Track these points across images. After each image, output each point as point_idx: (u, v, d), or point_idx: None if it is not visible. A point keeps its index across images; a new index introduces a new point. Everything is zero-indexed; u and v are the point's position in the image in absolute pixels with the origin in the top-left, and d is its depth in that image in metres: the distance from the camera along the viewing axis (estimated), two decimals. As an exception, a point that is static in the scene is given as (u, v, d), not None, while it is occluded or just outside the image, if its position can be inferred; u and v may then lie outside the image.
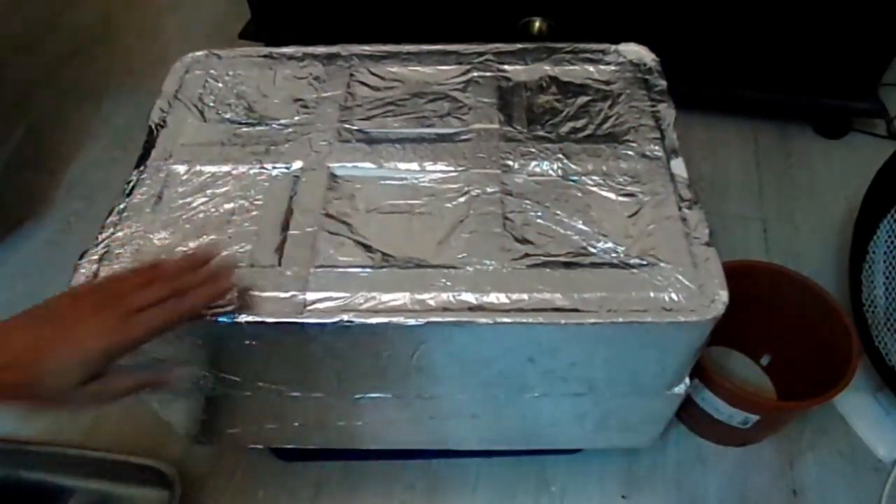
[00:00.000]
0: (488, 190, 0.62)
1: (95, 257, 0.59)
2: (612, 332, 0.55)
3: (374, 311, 0.55)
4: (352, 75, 0.74)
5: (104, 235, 0.61)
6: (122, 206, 0.63)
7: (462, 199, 0.62)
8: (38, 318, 0.45)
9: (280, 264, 0.58)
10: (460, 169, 0.64)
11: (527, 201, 0.62)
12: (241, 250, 0.59)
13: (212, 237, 0.60)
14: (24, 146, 1.25)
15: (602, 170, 0.64)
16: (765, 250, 1.04)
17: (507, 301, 0.55)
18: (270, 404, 0.68)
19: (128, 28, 1.51)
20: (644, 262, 0.57)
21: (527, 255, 0.58)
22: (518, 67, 0.74)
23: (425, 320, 0.54)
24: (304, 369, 0.62)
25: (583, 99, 0.71)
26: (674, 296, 0.55)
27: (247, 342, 0.57)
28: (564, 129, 0.68)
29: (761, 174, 1.15)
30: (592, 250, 0.58)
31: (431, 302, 0.55)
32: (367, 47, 0.77)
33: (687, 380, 0.65)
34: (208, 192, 0.64)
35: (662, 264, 0.57)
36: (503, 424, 0.71)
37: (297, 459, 0.84)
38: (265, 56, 0.77)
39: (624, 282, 0.56)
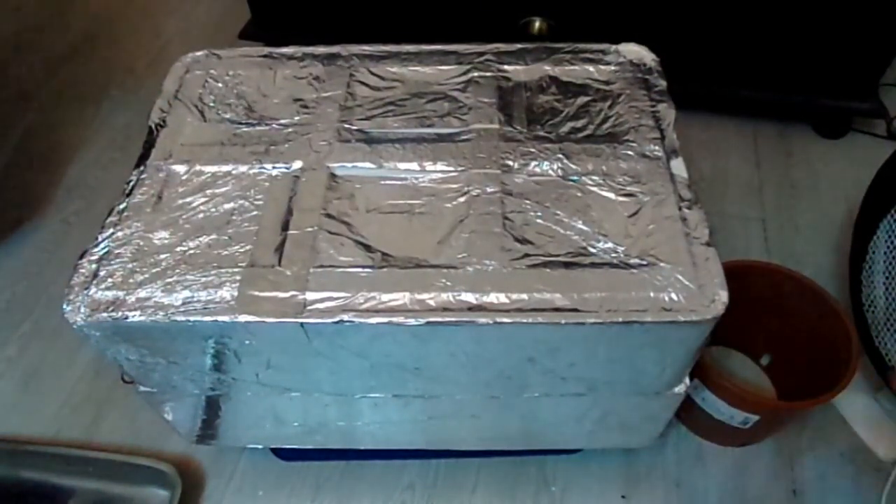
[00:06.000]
0: (488, 190, 0.62)
1: (95, 257, 0.59)
2: (612, 332, 0.55)
3: (374, 311, 0.55)
4: (352, 75, 0.74)
5: (104, 235, 0.61)
6: (122, 206, 0.63)
7: (462, 199, 0.62)
8: None
9: (280, 264, 0.58)
10: (460, 169, 0.64)
11: (527, 201, 0.62)
12: (241, 250, 0.59)
13: (212, 237, 0.60)
14: (24, 146, 1.25)
15: (602, 170, 0.64)
16: (765, 250, 1.04)
17: (507, 301, 0.55)
18: (270, 404, 0.68)
19: (128, 28, 1.51)
20: (644, 262, 0.57)
21: (527, 255, 0.58)
22: (518, 67, 0.74)
23: (425, 320, 0.54)
24: (304, 369, 0.62)
25: (583, 99, 0.71)
26: (674, 296, 0.55)
27: (247, 342, 0.57)
28: (564, 129, 0.68)
29: (761, 174, 1.15)
30: (592, 250, 0.58)
31: (431, 302, 0.55)
32: (367, 47, 0.77)
33: (687, 380, 0.65)
34: (208, 192, 0.64)
35: (662, 264, 0.57)
36: (503, 424, 0.71)
37: (297, 459, 0.84)
38: (265, 56, 0.77)
39: (624, 282, 0.56)
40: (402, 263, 0.58)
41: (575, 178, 0.64)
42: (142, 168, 0.66)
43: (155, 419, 0.72)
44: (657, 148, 0.66)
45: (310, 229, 0.60)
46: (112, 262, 0.59)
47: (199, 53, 0.77)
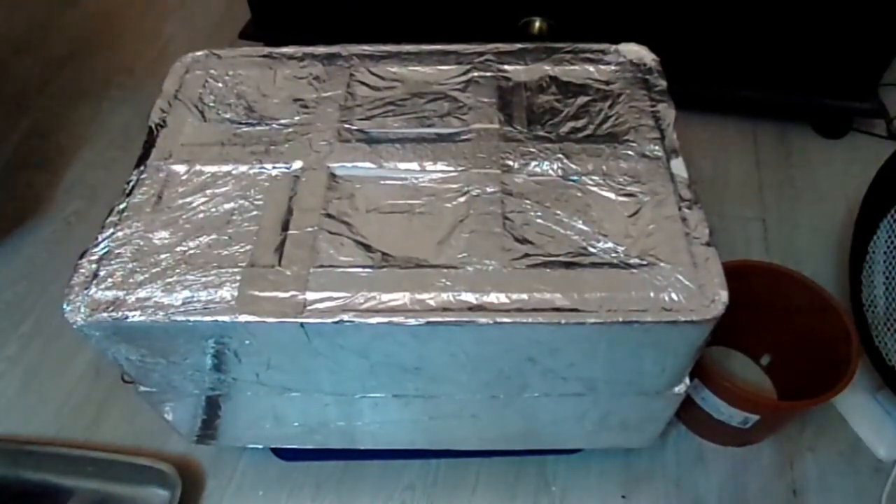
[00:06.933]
0: (488, 190, 0.62)
1: (95, 257, 0.59)
2: (612, 332, 0.55)
3: (374, 311, 0.55)
4: (352, 75, 0.74)
5: (104, 235, 0.61)
6: (122, 206, 0.63)
7: (462, 199, 0.62)
8: None
9: (280, 264, 0.58)
10: (460, 169, 0.64)
11: (527, 201, 0.62)
12: (241, 250, 0.59)
13: (212, 237, 0.60)
14: (24, 146, 1.25)
15: (602, 170, 0.64)
16: (765, 250, 1.04)
17: (507, 301, 0.55)
18: (270, 404, 0.68)
19: (128, 28, 1.51)
20: (644, 262, 0.57)
21: (527, 255, 0.58)
22: (518, 67, 0.74)
23: (425, 320, 0.54)
24: (304, 369, 0.62)
25: (583, 99, 0.71)
26: (674, 296, 0.55)
27: (247, 342, 0.57)
28: (564, 129, 0.68)
29: (761, 174, 1.15)
30: (592, 250, 0.58)
31: (431, 302, 0.55)
32: (367, 47, 0.77)
33: (687, 380, 0.65)
34: (208, 191, 0.64)
35: (662, 264, 0.57)
36: (503, 424, 0.71)
37: (297, 459, 0.84)
38: (265, 56, 0.77)
39: (624, 282, 0.56)
40: (402, 263, 0.58)
41: (575, 178, 0.64)
42: (142, 168, 0.66)
43: (155, 419, 0.72)
44: (657, 148, 0.66)
45: (310, 229, 0.60)
46: (112, 262, 0.59)
47: (199, 53, 0.77)
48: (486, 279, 0.56)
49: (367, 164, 0.65)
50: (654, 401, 0.66)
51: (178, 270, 0.58)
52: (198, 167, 0.66)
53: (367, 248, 0.59)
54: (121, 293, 0.56)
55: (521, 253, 0.58)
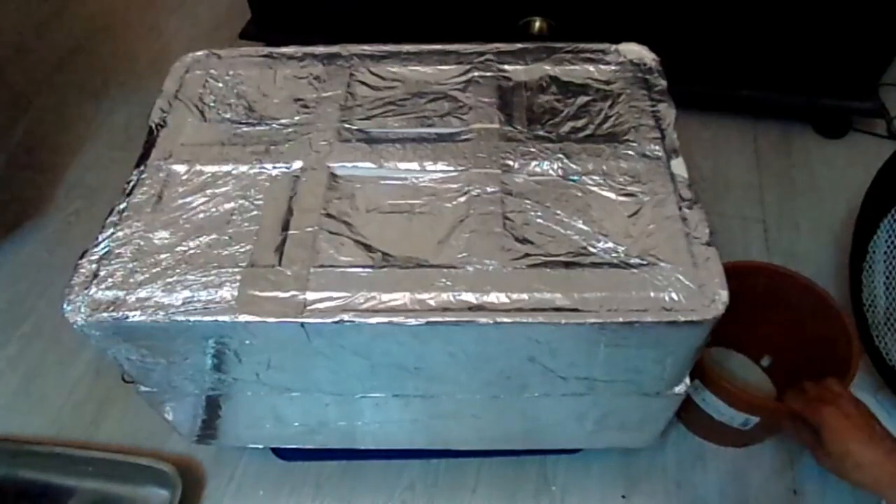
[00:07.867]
0: (488, 190, 0.62)
1: (95, 257, 0.59)
2: (612, 332, 0.55)
3: (374, 311, 0.55)
4: (352, 75, 0.74)
5: (104, 235, 0.61)
6: (122, 205, 0.63)
7: (462, 199, 0.62)
8: None
9: (280, 264, 0.58)
10: (460, 169, 0.64)
11: (527, 201, 0.62)
12: (241, 250, 0.59)
13: (212, 237, 0.60)
14: (25, 146, 1.25)
15: (602, 170, 0.64)
16: (765, 250, 1.04)
17: (507, 301, 0.55)
18: (271, 404, 0.68)
19: (128, 28, 1.51)
20: (644, 262, 0.57)
21: (527, 254, 0.58)
22: (518, 67, 0.74)
23: (425, 320, 0.54)
24: (304, 369, 0.62)
25: (583, 99, 0.71)
26: (674, 296, 0.55)
27: (247, 342, 0.57)
28: (564, 128, 0.68)
29: (761, 174, 1.15)
30: (592, 250, 0.58)
31: (431, 302, 0.55)
32: (367, 47, 0.77)
33: (687, 380, 0.65)
34: (208, 191, 0.64)
35: (662, 264, 0.57)
36: (503, 424, 0.71)
37: (297, 459, 0.84)
38: (265, 56, 0.77)
39: (624, 282, 0.56)
40: (403, 263, 0.58)
41: (575, 177, 0.64)
42: (142, 168, 0.66)
43: (155, 419, 0.72)
44: (657, 148, 0.66)
45: (310, 229, 0.60)
46: (112, 262, 0.59)
47: (199, 53, 0.77)
48: (486, 279, 0.56)
49: (368, 164, 0.65)
50: (654, 401, 0.66)
51: (178, 270, 0.58)
52: (198, 167, 0.66)
53: (368, 247, 0.59)
54: (121, 293, 0.56)
55: (521, 253, 0.58)
